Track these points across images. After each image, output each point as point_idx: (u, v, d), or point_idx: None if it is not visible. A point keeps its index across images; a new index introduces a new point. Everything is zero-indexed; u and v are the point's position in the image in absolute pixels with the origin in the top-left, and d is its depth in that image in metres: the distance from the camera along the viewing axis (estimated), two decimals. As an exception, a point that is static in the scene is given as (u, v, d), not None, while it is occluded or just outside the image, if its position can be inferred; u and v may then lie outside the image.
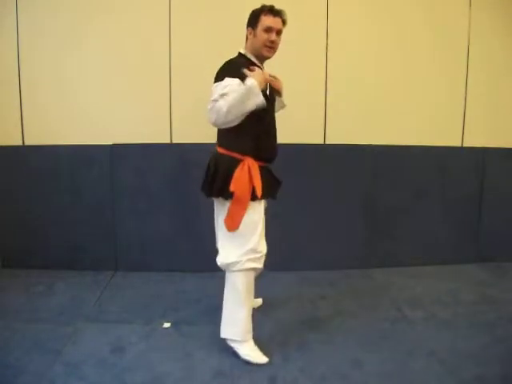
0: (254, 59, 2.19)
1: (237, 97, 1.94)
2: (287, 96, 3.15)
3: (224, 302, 2.17)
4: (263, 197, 2.14)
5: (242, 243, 2.12)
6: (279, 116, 3.07)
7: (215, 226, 2.30)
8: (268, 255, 3.11)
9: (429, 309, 2.63)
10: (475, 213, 3.33)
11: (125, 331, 2.33)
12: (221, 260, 2.16)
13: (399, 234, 3.26)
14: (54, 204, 3.05)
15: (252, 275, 2.18)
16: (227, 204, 2.12)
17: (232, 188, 2.05)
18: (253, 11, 2.19)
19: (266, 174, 2.16)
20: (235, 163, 2.08)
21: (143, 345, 2.22)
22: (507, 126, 3.32)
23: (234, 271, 2.13)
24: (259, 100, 1.98)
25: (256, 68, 2.08)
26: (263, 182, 2.11)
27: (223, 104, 1.94)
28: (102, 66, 3.00)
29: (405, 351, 2.19)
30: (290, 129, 3.10)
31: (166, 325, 2.40)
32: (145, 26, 2.99)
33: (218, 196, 2.15)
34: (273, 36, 2.15)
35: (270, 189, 2.23)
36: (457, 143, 3.28)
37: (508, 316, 2.54)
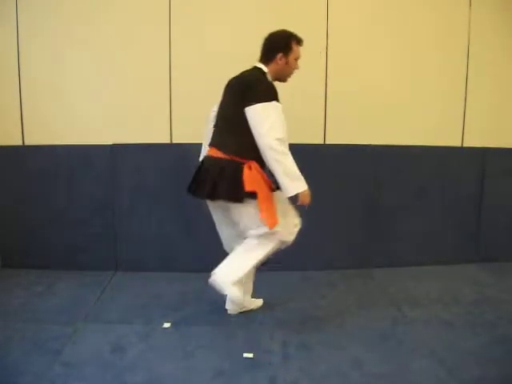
0: (271, 80, 2.33)
1: (291, 170, 2.21)
2: (287, 96, 3.15)
3: (237, 253, 2.35)
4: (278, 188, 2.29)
5: (288, 222, 2.37)
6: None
7: (220, 227, 2.44)
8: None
9: (429, 309, 2.63)
10: (475, 213, 3.33)
11: (125, 331, 2.33)
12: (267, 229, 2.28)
13: (399, 234, 3.26)
14: (54, 204, 3.05)
15: (279, 245, 2.41)
16: (248, 203, 2.23)
17: (249, 188, 2.19)
18: (282, 36, 2.32)
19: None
20: (241, 167, 2.21)
21: (143, 345, 2.22)
22: (507, 126, 3.32)
23: (273, 238, 2.33)
24: (293, 190, 2.22)
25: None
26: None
27: (282, 156, 2.21)
28: (102, 66, 3.00)
29: (405, 351, 2.19)
30: (290, 129, 3.10)
31: (166, 325, 2.40)
32: (145, 26, 2.99)
33: (233, 199, 2.23)
34: (298, 64, 2.38)
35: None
36: (457, 143, 3.28)
37: (508, 316, 2.54)
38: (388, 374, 2.01)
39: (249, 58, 3.02)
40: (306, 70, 3.08)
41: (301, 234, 3.16)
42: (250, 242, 2.32)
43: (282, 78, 2.39)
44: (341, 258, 3.21)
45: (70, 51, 2.98)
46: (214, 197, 2.25)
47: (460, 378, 1.99)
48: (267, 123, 2.16)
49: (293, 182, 2.20)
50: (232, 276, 2.28)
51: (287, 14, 3.03)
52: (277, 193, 2.29)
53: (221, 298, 2.68)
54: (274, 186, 2.30)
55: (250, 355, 2.14)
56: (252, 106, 2.17)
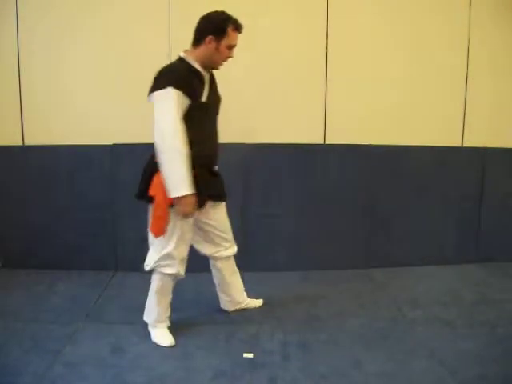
0: (197, 66, 2.11)
1: (174, 165, 1.94)
2: (287, 96, 3.16)
3: (148, 295, 2.28)
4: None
5: (158, 248, 2.15)
6: (280, 116, 3.10)
7: None
8: (268, 255, 3.14)
9: (429, 309, 2.63)
10: (475, 213, 3.33)
11: (125, 331, 2.33)
12: (146, 265, 2.22)
13: (399, 234, 3.26)
14: (54, 204, 3.05)
15: (167, 279, 2.22)
16: (150, 208, 2.13)
17: (151, 192, 2.07)
18: (218, 19, 2.09)
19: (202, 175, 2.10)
20: (158, 168, 2.04)
21: (143, 345, 2.22)
22: (507, 126, 3.31)
23: (153, 273, 2.23)
24: (175, 192, 1.97)
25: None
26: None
27: (167, 146, 1.94)
28: (103, 66, 3.00)
29: (405, 351, 2.19)
30: (290, 129, 3.12)
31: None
32: (145, 26, 2.99)
33: (139, 198, 2.17)
34: (232, 52, 2.14)
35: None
36: (457, 143, 3.28)
37: (508, 316, 2.54)
38: (388, 374, 2.01)
39: (247, 57, 3.03)
40: (306, 70, 3.10)
41: (301, 233, 3.17)
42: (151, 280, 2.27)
43: (211, 65, 2.14)
44: (341, 258, 3.21)
45: (69, 51, 2.98)
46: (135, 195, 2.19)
47: (460, 378, 1.99)
48: (156, 114, 1.97)
49: (173, 183, 1.98)
50: (148, 318, 2.30)
51: (287, 14, 3.04)
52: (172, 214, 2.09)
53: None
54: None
55: (250, 355, 2.14)
56: (149, 97, 2.02)
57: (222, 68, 2.97)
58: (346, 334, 2.35)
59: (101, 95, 3.03)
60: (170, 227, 2.11)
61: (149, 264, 2.20)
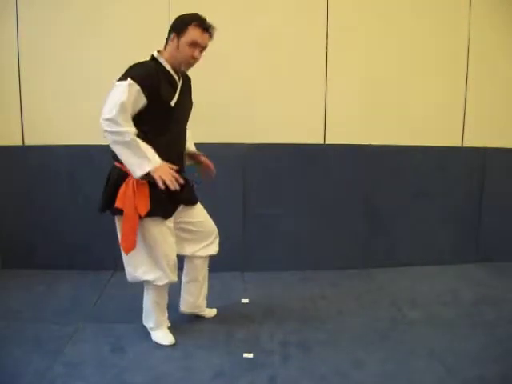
0: (168, 66, 2.06)
1: (129, 149, 1.88)
2: (287, 96, 3.16)
3: (143, 301, 2.27)
4: (151, 215, 2.01)
5: (144, 262, 2.11)
6: (280, 116, 3.09)
7: None
8: (268, 255, 3.14)
9: (429, 309, 2.63)
10: (475, 213, 3.33)
11: (125, 331, 2.33)
12: (128, 278, 2.20)
13: (399, 234, 3.26)
14: (54, 204, 3.05)
15: (161, 288, 2.21)
16: (119, 221, 2.08)
17: (117, 204, 1.99)
18: (182, 17, 2.05)
19: (157, 192, 1.97)
20: (123, 177, 2.00)
21: (143, 345, 2.22)
22: (507, 126, 3.31)
23: (145, 284, 2.20)
24: (139, 171, 1.89)
25: (168, 169, 1.93)
26: (154, 200, 1.99)
27: (116, 137, 1.88)
28: (103, 66, 2.99)
29: (405, 351, 2.19)
30: (290, 129, 3.12)
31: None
32: (145, 26, 2.98)
33: (102, 210, 2.11)
34: (196, 52, 2.04)
35: (163, 207, 2.06)
36: (457, 143, 3.28)
37: (508, 316, 2.54)
38: (388, 374, 2.01)
39: (247, 57, 3.04)
40: (305, 70, 3.10)
41: (301, 233, 3.18)
42: (144, 288, 2.26)
43: (177, 65, 2.06)
44: (341, 258, 3.21)
45: (70, 51, 2.98)
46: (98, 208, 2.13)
47: (460, 377, 1.99)
48: (106, 103, 1.91)
49: (138, 163, 1.89)
50: (147, 323, 2.28)
51: (287, 14, 3.04)
52: (147, 226, 2.04)
53: (220, 299, 2.69)
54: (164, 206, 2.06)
55: (250, 355, 2.14)
56: None
57: (221, 68, 3.00)
58: (346, 334, 2.35)
59: (101, 95, 3.00)
60: (148, 238, 2.06)
61: (133, 279, 2.17)
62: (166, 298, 2.27)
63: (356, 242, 3.23)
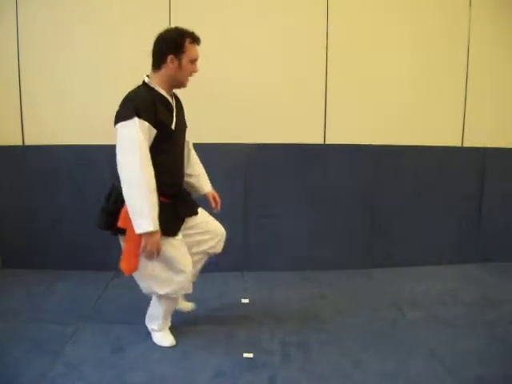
0: (162, 91, 2.02)
1: (134, 205, 1.87)
2: (288, 96, 3.16)
3: (151, 303, 2.25)
4: (164, 234, 1.98)
5: (165, 278, 2.08)
6: (280, 116, 3.10)
7: None
8: (268, 255, 3.14)
9: (429, 309, 2.63)
10: (475, 213, 3.33)
11: (125, 331, 2.33)
12: (144, 290, 2.18)
13: (399, 234, 3.26)
14: (54, 204, 3.05)
15: (175, 299, 2.21)
16: (122, 239, 2.06)
17: (120, 224, 1.96)
18: (174, 36, 1.98)
19: (168, 212, 2.00)
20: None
21: (143, 345, 2.22)
22: (507, 126, 3.32)
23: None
24: (141, 227, 1.88)
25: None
26: (161, 219, 1.93)
27: (134, 181, 1.86)
28: (103, 66, 3.00)
29: (405, 351, 2.19)
30: (290, 129, 3.12)
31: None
32: (145, 26, 2.98)
33: (105, 229, 2.11)
34: (196, 67, 2.04)
35: (170, 225, 2.05)
36: (457, 143, 3.28)
37: (508, 316, 2.55)
38: (388, 374, 2.01)
39: (248, 57, 3.04)
40: (305, 70, 3.10)
41: (301, 233, 3.18)
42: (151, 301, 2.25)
43: (178, 84, 2.06)
44: (341, 258, 3.21)
45: (70, 51, 2.98)
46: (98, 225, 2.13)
47: (460, 377, 1.99)
48: (121, 147, 1.89)
49: (137, 219, 1.88)
50: (151, 325, 2.27)
51: (287, 14, 3.04)
52: (164, 241, 1.99)
53: (220, 298, 2.69)
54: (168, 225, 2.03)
55: (250, 355, 2.14)
56: (115, 128, 1.93)
57: (221, 68, 3.00)
58: (346, 334, 2.35)
59: (101, 95, 3.03)
60: (163, 255, 2.01)
61: (150, 293, 2.16)
62: (175, 305, 2.28)
63: (356, 242, 3.23)
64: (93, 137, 3.02)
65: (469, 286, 2.96)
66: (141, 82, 2.04)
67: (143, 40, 3.03)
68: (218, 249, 2.35)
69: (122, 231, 2.01)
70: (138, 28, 2.98)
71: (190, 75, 2.06)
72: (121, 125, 1.90)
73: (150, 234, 1.88)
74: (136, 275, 2.12)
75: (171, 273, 2.08)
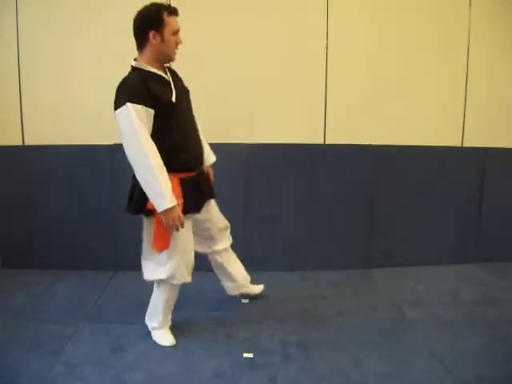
0: (152, 69, 2.04)
1: (150, 185, 1.93)
2: (287, 95, 3.15)
3: (150, 300, 2.28)
4: (183, 212, 2.03)
5: (164, 262, 2.12)
6: (280, 116, 3.09)
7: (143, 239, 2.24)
8: (268, 255, 3.14)
9: (429, 309, 2.63)
10: (475, 213, 3.33)
11: (125, 331, 2.33)
12: (146, 276, 2.20)
13: (399, 234, 3.26)
14: (54, 204, 3.05)
15: (175, 288, 2.24)
16: (149, 221, 2.11)
17: (149, 206, 2.00)
18: (151, 11, 2.00)
19: (187, 188, 2.08)
20: None
21: (143, 345, 2.22)
22: (507, 126, 3.31)
23: (158, 283, 2.21)
24: (160, 206, 1.93)
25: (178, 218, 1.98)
26: (186, 196, 2.05)
27: (140, 165, 1.93)
28: (103, 66, 3.00)
29: (405, 351, 2.19)
30: (290, 129, 3.12)
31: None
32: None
33: (135, 213, 2.13)
34: (179, 38, 2.07)
35: (192, 204, 2.13)
36: (457, 143, 3.28)
37: (508, 316, 2.54)
38: (388, 374, 2.01)
39: (248, 56, 3.04)
40: (305, 70, 3.10)
41: (301, 233, 3.17)
42: (154, 286, 2.26)
43: (166, 58, 2.07)
44: (341, 258, 3.21)
45: (70, 51, 2.98)
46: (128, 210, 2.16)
47: (460, 377, 1.99)
48: (122, 135, 1.94)
49: (155, 199, 1.95)
50: (151, 323, 2.28)
51: (287, 14, 3.04)
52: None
53: (220, 298, 2.69)
54: (193, 202, 2.13)
55: (250, 355, 2.14)
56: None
57: (221, 68, 3.00)
58: (345, 334, 2.35)
59: (101, 95, 3.01)
60: (174, 238, 2.08)
61: (151, 277, 2.19)
62: (176, 298, 2.29)
63: (356, 242, 3.23)
64: (93, 137, 3.02)
65: (469, 286, 2.96)
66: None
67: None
68: (226, 244, 2.48)
69: (151, 213, 2.04)
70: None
71: (176, 47, 2.07)
72: (117, 112, 1.94)
73: (169, 210, 1.94)
74: (145, 257, 2.19)
75: (172, 257, 2.11)
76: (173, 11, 2.03)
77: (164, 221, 1.97)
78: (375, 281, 3.05)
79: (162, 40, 2.01)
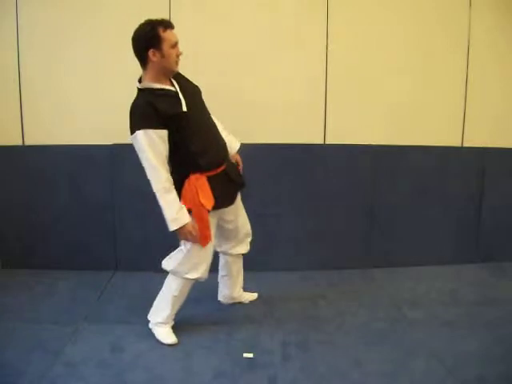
0: (157, 85, 2.09)
1: (166, 208, 2.06)
2: (287, 95, 3.16)
3: (159, 294, 2.32)
4: (217, 207, 2.17)
5: (187, 254, 2.19)
6: (280, 116, 3.09)
7: None
8: (268, 255, 3.14)
9: (429, 309, 2.63)
10: (475, 213, 3.33)
11: (125, 331, 2.33)
12: (164, 265, 2.27)
13: (399, 234, 3.26)
14: (54, 204, 3.05)
15: (189, 283, 2.26)
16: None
17: (187, 206, 2.10)
18: (145, 30, 2.04)
19: (217, 183, 2.16)
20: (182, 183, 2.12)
21: (143, 345, 2.22)
22: (507, 126, 3.31)
23: (172, 276, 2.26)
24: (169, 227, 2.08)
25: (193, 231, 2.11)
26: (215, 193, 2.14)
27: (154, 188, 2.06)
28: (103, 66, 3.00)
29: (405, 351, 2.19)
30: (290, 129, 3.12)
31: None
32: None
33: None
34: (178, 50, 2.11)
35: (225, 197, 2.23)
36: (457, 143, 3.28)
37: (508, 316, 2.54)
38: (388, 374, 2.01)
39: (247, 56, 3.04)
40: (305, 70, 3.10)
41: (301, 233, 3.17)
42: (166, 279, 2.31)
43: (169, 72, 2.12)
44: (341, 258, 3.21)
45: (70, 51, 2.98)
46: None
47: (460, 378, 1.99)
48: (142, 160, 2.08)
49: (168, 219, 2.08)
50: (155, 318, 2.30)
51: (287, 14, 3.04)
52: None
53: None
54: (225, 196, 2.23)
55: (250, 355, 2.14)
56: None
57: (221, 67, 3.00)
58: (345, 334, 2.35)
59: (101, 95, 3.03)
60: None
61: (171, 266, 2.23)
62: (186, 296, 2.30)
63: (356, 242, 3.23)
64: (93, 137, 3.02)
65: (469, 286, 2.96)
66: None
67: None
68: (243, 250, 2.50)
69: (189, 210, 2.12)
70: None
71: (177, 59, 2.11)
72: (131, 138, 2.07)
73: (181, 227, 2.07)
74: (178, 252, 2.24)
75: (192, 249, 2.18)
76: (168, 25, 2.06)
77: (180, 238, 2.13)
78: (375, 281, 3.05)
79: (162, 56, 2.04)
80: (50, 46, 2.98)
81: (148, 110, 2.02)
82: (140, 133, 2.00)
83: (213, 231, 2.23)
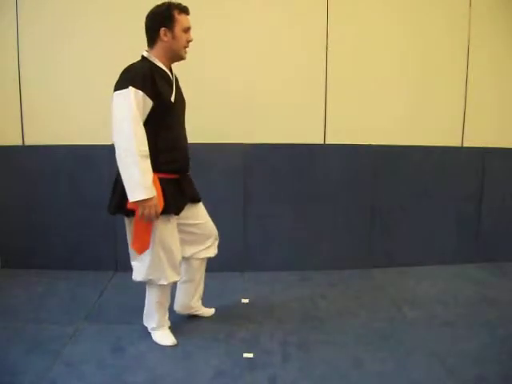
0: (160, 64, 2.06)
1: (129, 175, 1.90)
2: (287, 96, 3.16)
3: (145, 301, 2.25)
4: (165, 212, 2.02)
5: (146, 261, 2.11)
6: (280, 116, 3.10)
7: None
8: (268, 255, 3.14)
9: (429, 309, 2.63)
10: (475, 213, 3.33)
11: (125, 331, 2.33)
12: (134, 277, 2.18)
13: (399, 234, 3.26)
14: (54, 204, 3.05)
15: (164, 288, 2.20)
16: (130, 221, 2.09)
17: (130, 206, 1.97)
18: (162, 9, 2.03)
19: (171, 188, 2.06)
20: None
21: (143, 345, 2.22)
22: (507, 126, 3.32)
23: (148, 284, 2.19)
24: (136, 195, 1.91)
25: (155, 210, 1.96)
26: (167, 197, 2.01)
27: (125, 148, 1.89)
28: (103, 66, 2.99)
29: (405, 351, 2.19)
30: (290, 129, 3.12)
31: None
32: (144, 26, 2.98)
33: (114, 213, 2.12)
34: (190, 36, 2.09)
35: (174, 203, 2.09)
36: (457, 143, 3.28)
37: (508, 316, 2.55)
38: (388, 374, 2.01)
39: (248, 56, 3.04)
40: (305, 70, 3.10)
41: (301, 233, 3.18)
42: (146, 287, 2.23)
43: (177, 57, 2.09)
44: (341, 258, 3.21)
45: (69, 51, 2.98)
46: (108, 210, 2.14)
47: (460, 378, 1.99)
48: (114, 116, 1.92)
49: (131, 186, 1.92)
50: (148, 324, 2.28)
51: (287, 14, 3.04)
52: (162, 221, 2.04)
53: (220, 298, 2.69)
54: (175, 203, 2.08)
55: (250, 355, 2.14)
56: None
57: (221, 68, 3.00)
58: (345, 334, 2.35)
59: (101, 95, 3.01)
60: (155, 236, 2.06)
61: (138, 277, 2.16)
62: (169, 298, 2.27)
63: (356, 242, 3.23)
64: (93, 137, 3.02)
65: (469, 286, 2.96)
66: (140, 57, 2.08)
67: (144, 41, 3.04)
68: (211, 253, 2.37)
69: (132, 213, 2.02)
70: (138, 28, 2.97)
71: (186, 45, 2.09)
72: (116, 94, 1.94)
73: (144, 200, 1.91)
74: (132, 258, 2.17)
75: (159, 257, 2.09)
76: (184, 9, 2.06)
77: (139, 210, 1.94)
78: (375, 281, 3.05)
79: (173, 37, 2.04)
80: (50, 46, 2.98)
81: (148, 75, 1.96)
82: (132, 89, 1.89)
83: (175, 234, 2.14)
